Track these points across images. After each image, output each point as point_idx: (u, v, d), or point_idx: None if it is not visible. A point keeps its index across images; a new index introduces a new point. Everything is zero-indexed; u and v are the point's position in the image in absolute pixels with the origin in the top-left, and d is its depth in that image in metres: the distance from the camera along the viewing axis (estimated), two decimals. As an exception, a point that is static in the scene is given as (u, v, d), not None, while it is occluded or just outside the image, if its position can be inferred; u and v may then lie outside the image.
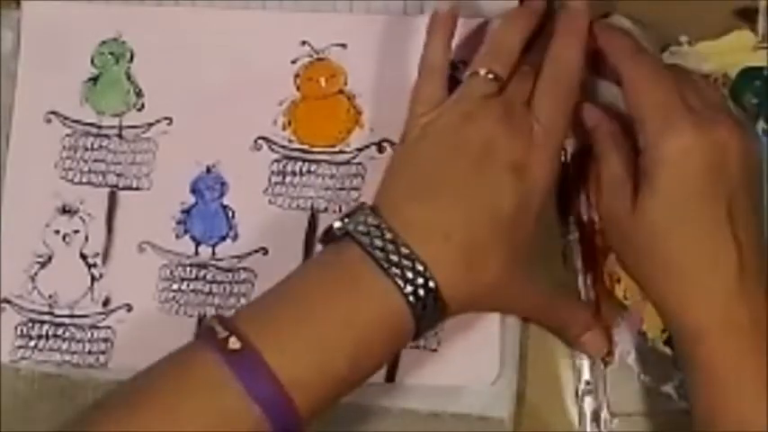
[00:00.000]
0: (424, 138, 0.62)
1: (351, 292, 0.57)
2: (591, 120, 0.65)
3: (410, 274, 0.57)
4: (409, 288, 0.57)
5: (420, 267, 0.57)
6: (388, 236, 0.58)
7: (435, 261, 0.57)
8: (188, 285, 0.67)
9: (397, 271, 0.57)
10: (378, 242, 0.57)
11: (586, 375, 0.65)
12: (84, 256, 0.67)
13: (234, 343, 0.55)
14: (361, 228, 0.58)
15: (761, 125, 0.67)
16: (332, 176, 0.68)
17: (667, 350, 0.65)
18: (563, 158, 0.67)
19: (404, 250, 0.57)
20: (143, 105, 0.69)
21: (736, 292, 0.58)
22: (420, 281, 0.57)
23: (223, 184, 0.68)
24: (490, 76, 0.62)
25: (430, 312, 0.58)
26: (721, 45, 0.68)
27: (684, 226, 0.59)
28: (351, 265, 0.58)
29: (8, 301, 0.67)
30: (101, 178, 0.68)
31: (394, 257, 0.57)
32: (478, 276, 0.59)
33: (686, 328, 0.59)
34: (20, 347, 0.66)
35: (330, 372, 0.56)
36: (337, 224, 0.59)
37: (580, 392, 0.65)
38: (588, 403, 0.65)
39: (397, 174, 0.62)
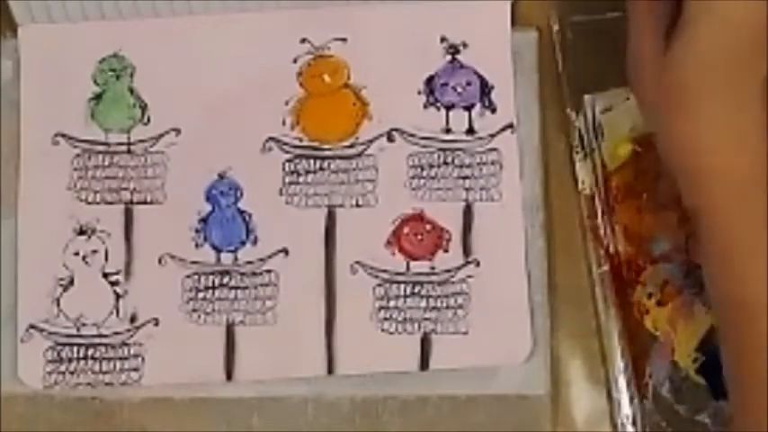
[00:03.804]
0: None
1: None
2: None
3: None
4: None
5: None
6: None
7: None
8: (212, 293, 0.67)
9: None
10: None
11: (626, 409, 0.65)
12: (106, 275, 0.67)
13: None
14: None
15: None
16: (345, 171, 0.68)
17: (700, 379, 0.65)
18: (589, 191, 0.67)
19: None
20: (149, 119, 0.69)
21: (756, 180, 0.54)
22: None
23: (237, 189, 0.68)
24: None
25: None
26: None
27: (714, 91, 0.53)
28: None
29: (35, 327, 0.66)
30: (114, 195, 0.68)
31: None
32: None
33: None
34: (51, 373, 0.66)
35: None
36: None
37: (620, 425, 0.65)
38: None
39: None
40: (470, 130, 0.68)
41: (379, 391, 0.65)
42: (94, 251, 0.67)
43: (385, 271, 0.67)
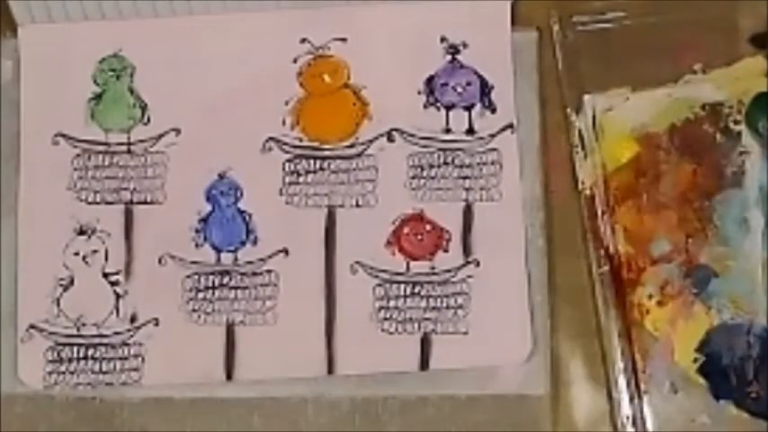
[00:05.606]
0: None
1: None
2: None
3: None
4: None
5: None
6: None
7: None
8: (213, 294, 0.67)
9: None
10: None
11: (626, 409, 0.65)
12: (106, 275, 0.67)
13: None
14: None
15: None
16: (345, 171, 0.68)
17: (700, 379, 0.65)
18: (589, 191, 0.67)
19: None
20: (149, 119, 0.69)
21: None
22: None
23: (237, 189, 0.68)
24: None
25: None
26: (734, 72, 0.68)
27: None
28: None
29: (35, 327, 0.66)
30: (114, 195, 0.68)
31: None
32: None
33: None
34: (51, 373, 0.66)
35: None
36: None
37: (620, 425, 0.65)
38: None
39: None
40: (470, 130, 0.68)
41: (379, 391, 0.65)
42: (94, 251, 0.67)
43: (385, 271, 0.67)
